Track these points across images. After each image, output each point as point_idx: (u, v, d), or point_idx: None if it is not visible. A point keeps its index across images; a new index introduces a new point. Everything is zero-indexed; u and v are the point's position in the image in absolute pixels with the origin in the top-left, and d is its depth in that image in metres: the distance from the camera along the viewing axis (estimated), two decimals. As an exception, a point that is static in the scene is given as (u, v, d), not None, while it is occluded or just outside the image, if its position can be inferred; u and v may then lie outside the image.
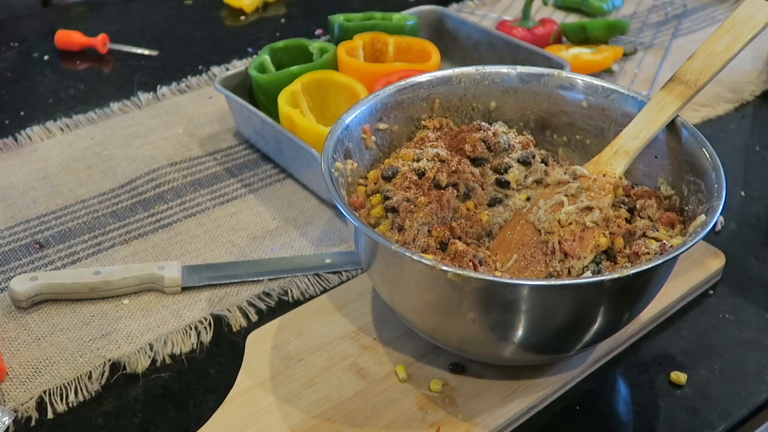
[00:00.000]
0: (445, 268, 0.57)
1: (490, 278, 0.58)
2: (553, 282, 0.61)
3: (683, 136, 0.71)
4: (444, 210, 0.68)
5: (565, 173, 0.72)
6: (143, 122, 1.08)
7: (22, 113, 1.10)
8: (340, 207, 0.63)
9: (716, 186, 0.64)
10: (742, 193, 0.95)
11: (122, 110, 1.10)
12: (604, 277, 0.57)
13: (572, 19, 1.34)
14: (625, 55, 1.22)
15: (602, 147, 0.73)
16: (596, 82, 0.77)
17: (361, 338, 0.73)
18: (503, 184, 0.72)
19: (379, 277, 0.67)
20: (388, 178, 0.70)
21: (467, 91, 0.79)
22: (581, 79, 0.78)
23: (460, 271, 0.57)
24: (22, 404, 0.69)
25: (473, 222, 0.70)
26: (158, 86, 1.15)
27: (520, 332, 0.61)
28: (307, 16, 1.38)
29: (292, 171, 0.97)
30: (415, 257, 0.58)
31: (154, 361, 0.73)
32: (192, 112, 1.10)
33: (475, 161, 0.73)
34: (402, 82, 0.78)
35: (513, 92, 0.79)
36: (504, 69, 0.79)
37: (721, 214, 0.62)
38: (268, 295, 0.80)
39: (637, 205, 0.70)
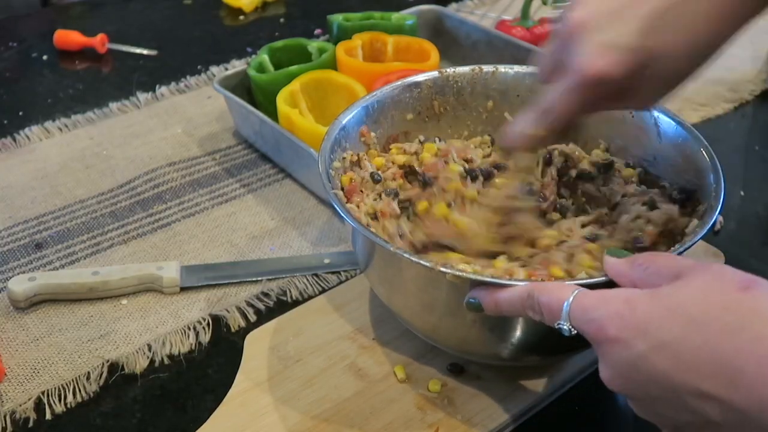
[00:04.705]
0: (443, 269, 0.57)
1: (490, 280, 0.57)
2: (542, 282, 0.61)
3: (682, 136, 0.70)
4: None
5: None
6: (142, 122, 1.08)
7: (20, 113, 1.09)
8: (337, 207, 0.63)
9: (714, 186, 0.64)
10: (742, 193, 0.94)
11: (121, 110, 1.10)
12: (602, 279, 0.57)
13: (572, 18, 1.34)
14: (625, 55, 1.22)
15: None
16: None
17: (359, 338, 0.73)
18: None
19: (377, 278, 0.67)
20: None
21: (464, 91, 0.79)
22: None
23: (459, 273, 0.57)
24: (21, 405, 0.68)
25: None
26: (157, 86, 1.15)
27: (519, 333, 0.61)
28: (306, 15, 1.38)
29: (290, 171, 0.96)
30: (413, 258, 0.58)
31: (152, 361, 0.73)
32: (191, 112, 1.10)
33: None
34: (399, 82, 0.77)
35: (513, 91, 0.79)
36: (501, 68, 0.79)
37: (719, 214, 0.62)
38: (266, 295, 0.80)
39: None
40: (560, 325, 0.52)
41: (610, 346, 0.49)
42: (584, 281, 0.56)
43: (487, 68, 0.79)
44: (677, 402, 0.47)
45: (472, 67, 0.79)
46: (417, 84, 0.78)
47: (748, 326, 0.44)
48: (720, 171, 0.65)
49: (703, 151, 0.68)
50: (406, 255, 0.58)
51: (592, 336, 0.50)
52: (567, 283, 0.54)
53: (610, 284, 0.55)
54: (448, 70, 0.79)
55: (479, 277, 0.58)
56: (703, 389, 0.45)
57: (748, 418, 0.44)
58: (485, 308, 0.57)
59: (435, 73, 0.79)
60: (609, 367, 0.50)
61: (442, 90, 0.79)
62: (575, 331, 0.52)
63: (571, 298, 0.52)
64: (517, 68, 0.79)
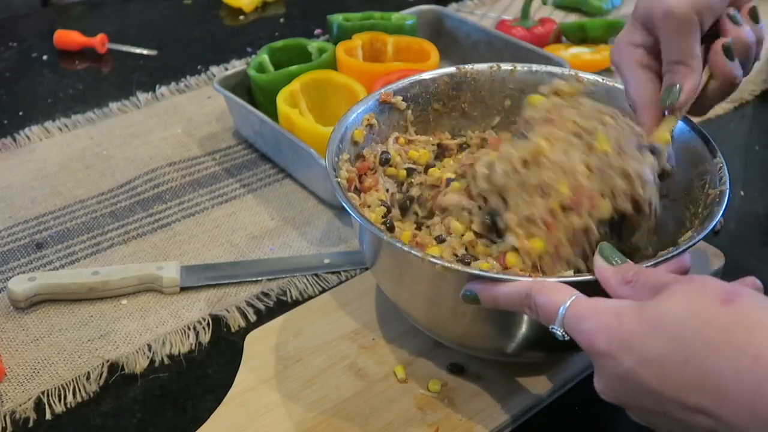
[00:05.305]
0: (433, 260, 0.57)
1: (476, 272, 0.57)
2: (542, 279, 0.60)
3: (689, 136, 0.70)
4: None
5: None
6: (142, 122, 1.08)
7: (20, 113, 1.09)
8: (343, 202, 0.63)
9: (719, 192, 0.64)
10: (742, 193, 0.95)
11: (121, 110, 1.10)
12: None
13: (571, 18, 1.34)
14: (625, 55, 1.22)
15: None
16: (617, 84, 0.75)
17: (359, 338, 0.73)
18: None
19: (382, 272, 0.67)
20: None
21: (482, 88, 0.79)
22: (599, 80, 0.76)
23: (448, 264, 0.57)
24: (21, 405, 0.68)
25: None
26: (157, 86, 1.15)
27: (523, 328, 0.61)
28: (306, 15, 1.38)
29: (290, 171, 0.96)
30: (405, 248, 0.58)
31: (152, 361, 0.73)
32: (191, 112, 1.10)
33: None
34: (415, 77, 0.77)
35: (531, 90, 0.78)
36: (520, 67, 0.79)
37: (722, 216, 0.62)
38: (266, 295, 0.80)
39: None
40: (554, 330, 0.53)
41: (600, 359, 0.50)
42: (583, 278, 0.56)
43: (506, 66, 0.79)
44: (667, 414, 0.47)
45: (490, 64, 0.79)
46: (434, 80, 0.78)
47: (731, 342, 0.44)
48: (727, 176, 0.64)
49: (711, 154, 0.67)
50: (397, 244, 0.58)
51: (583, 347, 0.51)
52: (565, 280, 0.55)
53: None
54: (465, 66, 0.79)
55: (468, 270, 0.58)
56: (690, 403, 0.45)
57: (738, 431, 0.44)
58: (483, 302, 0.57)
59: (452, 69, 0.79)
60: (601, 378, 0.51)
61: (459, 86, 0.79)
62: (568, 337, 0.52)
63: (568, 303, 0.52)
64: (535, 67, 0.79)
